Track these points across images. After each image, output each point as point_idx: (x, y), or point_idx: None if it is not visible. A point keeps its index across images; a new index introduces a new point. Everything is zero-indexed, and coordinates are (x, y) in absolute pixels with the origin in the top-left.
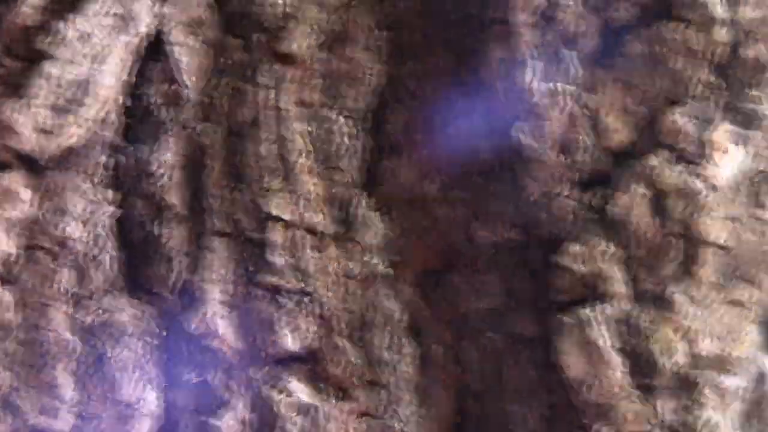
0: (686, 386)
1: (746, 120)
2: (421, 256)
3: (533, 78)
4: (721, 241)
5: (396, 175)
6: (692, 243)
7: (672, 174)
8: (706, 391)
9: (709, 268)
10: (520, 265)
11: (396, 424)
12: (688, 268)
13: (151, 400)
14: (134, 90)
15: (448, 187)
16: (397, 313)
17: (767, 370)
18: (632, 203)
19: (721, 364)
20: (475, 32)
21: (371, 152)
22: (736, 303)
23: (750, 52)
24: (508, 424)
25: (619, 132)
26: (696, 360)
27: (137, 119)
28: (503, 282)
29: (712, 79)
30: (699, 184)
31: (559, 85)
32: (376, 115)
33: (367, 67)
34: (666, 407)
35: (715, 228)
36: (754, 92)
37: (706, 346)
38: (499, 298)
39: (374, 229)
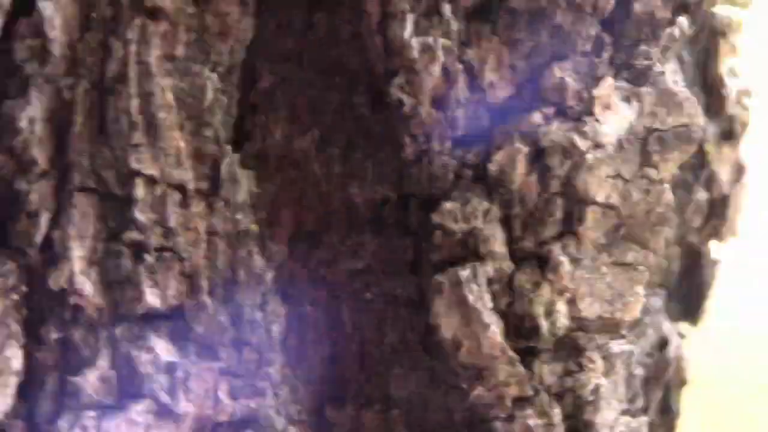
0: (570, 350)
1: (636, 76)
2: (295, 214)
3: (410, 33)
4: (607, 201)
5: (268, 132)
6: (575, 202)
7: (554, 131)
8: (592, 355)
9: (593, 228)
10: (399, 224)
11: (265, 385)
12: (571, 228)
13: (13, 357)
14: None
15: (323, 144)
16: (268, 273)
17: (668, 334)
18: (513, 161)
19: (609, 327)
20: None
21: (242, 108)
22: (625, 265)
23: (641, 5)
24: (387, 387)
25: (500, 88)
26: (581, 323)
27: (2, 75)
28: (382, 242)
29: (600, 34)
30: (583, 142)
31: (437, 39)
32: (247, 70)
33: (238, 21)
34: (549, 371)
35: (599, 187)
36: (646, 48)
37: (592, 309)
38: (378, 258)
39: (243, 186)
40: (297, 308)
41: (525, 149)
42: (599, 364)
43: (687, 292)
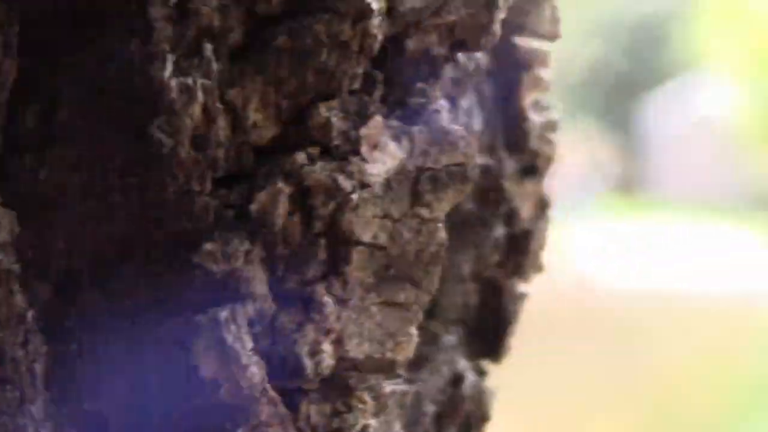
0: (337, 390)
1: (409, 115)
2: (62, 253)
3: (169, 73)
4: (374, 241)
5: (33, 171)
6: (340, 242)
7: (319, 171)
8: (362, 395)
9: (360, 268)
10: (167, 263)
11: (26, 422)
12: (336, 268)
13: None
14: None
15: (95, 181)
16: (30, 312)
17: (464, 371)
18: (275, 201)
19: (382, 367)
20: (117, 27)
21: (5, 149)
22: (395, 304)
23: (414, 43)
24: (159, 422)
25: (264, 128)
26: (350, 363)
27: None
28: (152, 280)
29: (371, 72)
30: (347, 182)
31: (197, 80)
32: (10, 110)
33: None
34: (314, 411)
35: (365, 227)
36: (420, 86)
37: (361, 349)
38: (150, 296)
39: (4, 226)
40: (64, 346)
41: (287, 189)
42: (369, 403)
43: (488, 328)
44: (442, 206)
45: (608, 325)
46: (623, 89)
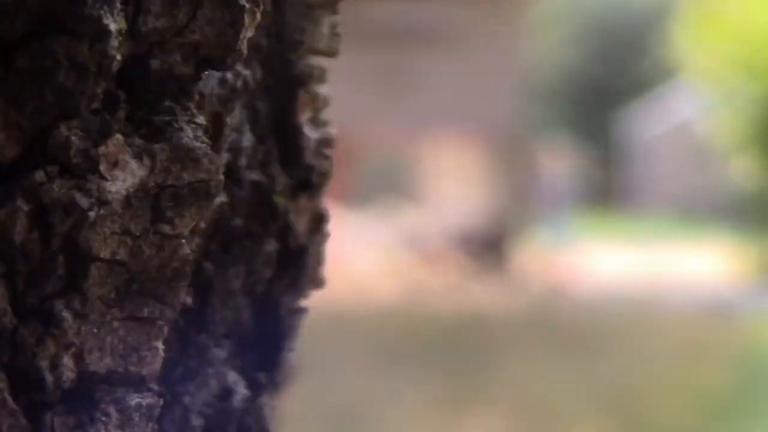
0: (81, 404)
1: (153, 132)
2: None
3: None
4: (113, 257)
5: None
6: (78, 258)
7: (57, 189)
8: (106, 407)
9: (98, 284)
10: None
11: None
12: (74, 284)
13: None
14: None
15: None
16: None
17: (234, 385)
18: (14, 218)
19: (128, 381)
20: None
21: None
22: (139, 319)
23: (158, 62)
24: None
25: (7, 147)
26: (92, 377)
27: None
28: None
29: (114, 91)
30: (85, 199)
31: None
32: None
33: None
34: (58, 423)
35: (104, 243)
36: (167, 104)
37: (103, 363)
38: None
39: None
40: None
41: (26, 207)
42: (114, 416)
43: (262, 343)
44: (184, 222)
45: (581, 334)
46: (602, 99)
